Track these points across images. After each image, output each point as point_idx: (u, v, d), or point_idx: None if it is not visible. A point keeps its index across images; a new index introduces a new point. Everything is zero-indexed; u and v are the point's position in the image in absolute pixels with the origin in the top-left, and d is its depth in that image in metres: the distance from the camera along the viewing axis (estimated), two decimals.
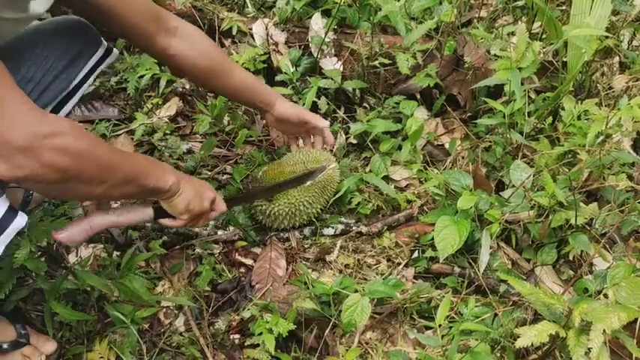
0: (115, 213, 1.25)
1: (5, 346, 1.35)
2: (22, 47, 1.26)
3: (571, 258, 1.60)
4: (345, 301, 1.42)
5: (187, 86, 2.12)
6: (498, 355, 1.39)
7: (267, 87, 1.74)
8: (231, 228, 1.75)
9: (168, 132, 1.99)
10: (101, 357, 1.41)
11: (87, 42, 1.39)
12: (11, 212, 0.99)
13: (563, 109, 1.79)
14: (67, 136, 0.96)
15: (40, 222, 1.47)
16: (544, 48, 1.98)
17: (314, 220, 1.76)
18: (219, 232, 1.72)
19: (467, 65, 2.01)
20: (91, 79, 1.41)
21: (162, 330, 1.52)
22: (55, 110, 1.35)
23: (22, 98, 0.94)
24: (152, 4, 1.39)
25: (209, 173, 1.89)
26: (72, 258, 1.60)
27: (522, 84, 1.71)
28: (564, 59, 1.91)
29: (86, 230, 1.21)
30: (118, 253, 1.61)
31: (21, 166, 0.91)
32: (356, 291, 1.46)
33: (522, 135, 1.78)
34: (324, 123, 1.74)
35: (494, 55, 1.95)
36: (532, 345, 1.18)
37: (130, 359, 1.38)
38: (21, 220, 1.00)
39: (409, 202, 1.84)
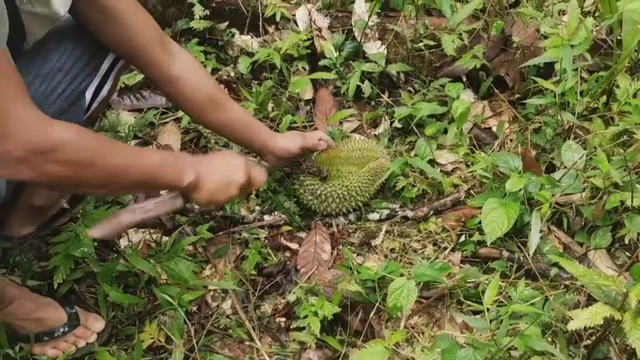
0: (143, 209, 1.25)
1: (63, 329, 1.40)
2: (53, 38, 1.25)
3: (627, 242, 1.54)
4: (390, 285, 1.40)
5: (232, 74, 2.14)
6: (549, 339, 1.35)
7: (263, 125, 1.65)
8: (277, 213, 1.76)
9: None
10: (151, 338, 1.44)
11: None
12: None
13: (617, 87, 1.72)
14: (68, 148, 0.99)
15: (93, 209, 1.52)
16: (597, 26, 1.91)
17: (360, 207, 1.75)
18: (266, 217, 1.74)
19: (515, 45, 1.96)
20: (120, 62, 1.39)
21: (210, 312, 1.54)
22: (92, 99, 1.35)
23: (28, 110, 0.95)
24: (157, 25, 1.36)
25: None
26: (123, 242, 1.65)
27: (574, 62, 1.65)
28: (619, 37, 1.83)
29: (116, 228, 1.23)
30: (167, 238, 1.64)
31: (20, 172, 0.95)
32: (402, 275, 1.44)
33: (574, 115, 1.72)
34: (322, 144, 1.68)
35: (544, 34, 1.89)
36: (585, 329, 1.15)
37: (179, 340, 1.41)
38: None
39: (455, 186, 1.81)
